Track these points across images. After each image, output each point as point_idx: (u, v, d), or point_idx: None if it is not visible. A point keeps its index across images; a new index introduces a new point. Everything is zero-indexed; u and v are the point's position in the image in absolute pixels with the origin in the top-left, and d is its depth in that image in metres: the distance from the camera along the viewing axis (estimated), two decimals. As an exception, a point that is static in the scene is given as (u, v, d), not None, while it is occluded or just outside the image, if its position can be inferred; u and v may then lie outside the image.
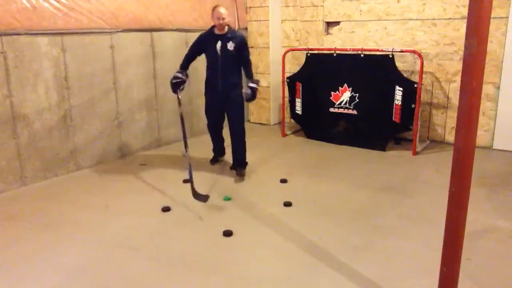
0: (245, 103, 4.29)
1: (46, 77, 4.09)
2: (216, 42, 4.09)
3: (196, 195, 3.58)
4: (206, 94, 4.36)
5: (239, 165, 4.30)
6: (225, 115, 4.35)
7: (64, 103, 4.27)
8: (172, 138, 5.50)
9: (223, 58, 4.10)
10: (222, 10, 4.01)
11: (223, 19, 4.01)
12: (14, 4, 3.76)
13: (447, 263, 2.01)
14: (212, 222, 3.30)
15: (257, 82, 4.17)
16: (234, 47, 4.09)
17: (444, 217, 1.99)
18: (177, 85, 4.09)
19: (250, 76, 4.18)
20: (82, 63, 4.36)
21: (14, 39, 3.82)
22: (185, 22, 5.40)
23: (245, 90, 4.11)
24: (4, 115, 3.84)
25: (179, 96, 4.10)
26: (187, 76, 4.16)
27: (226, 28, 4.13)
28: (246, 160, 4.37)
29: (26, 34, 3.88)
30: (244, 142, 4.32)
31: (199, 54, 4.26)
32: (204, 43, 4.19)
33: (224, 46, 4.08)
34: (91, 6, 4.34)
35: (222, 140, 4.61)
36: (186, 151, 3.95)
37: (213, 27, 4.16)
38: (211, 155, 4.77)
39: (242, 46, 4.14)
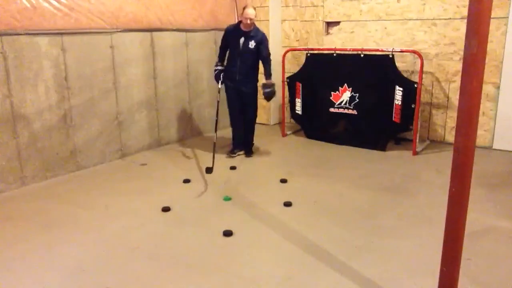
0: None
1: (46, 77, 4.09)
2: (240, 38, 4.51)
3: (208, 169, 4.12)
4: (225, 85, 4.74)
5: (248, 146, 4.93)
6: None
7: (64, 103, 4.27)
8: (172, 138, 5.50)
9: (243, 54, 4.54)
10: (251, 11, 4.42)
11: (251, 19, 4.43)
12: (14, 4, 3.76)
13: (447, 263, 2.01)
14: (212, 222, 3.30)
15: (270, 84, 4.54)
16: (255, 46, 4.52)
17: (444, 217, 1.99)
18: (218, 76, 4.68)
19: (267, 75, 4.57)
20: (82, 63, 4.36)
21: (14, 39, 3.82)
22: (185, 22, 5.40)
23: (265, 90, 4.56)
24: (4, 115, 3.84)
25: (219, 85, 4.67)
26: (223, 66, 4.72)
27: (252, 26, 4.53)
28: (253, 142, 5.00)
29: (26, 34, 3.88)
30: (254, 128, 4.95)
31: (228, 45, 4.71)
32: (229, 36, 4.61)
33: (246, 43, 4.51)
34: (91, 6, 4.34)
35: (242, 132, 4.91)
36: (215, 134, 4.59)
37: (239, 22, 4.55)
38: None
39: (263, 46, 4.55)
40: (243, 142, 4.93)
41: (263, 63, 4.61)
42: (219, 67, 4.69)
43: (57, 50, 4.14)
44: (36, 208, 3.59)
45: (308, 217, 3.38)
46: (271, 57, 4.69)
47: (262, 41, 4.55)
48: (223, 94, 4.82)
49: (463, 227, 1.94)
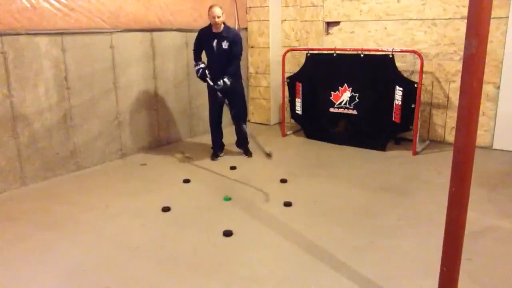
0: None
1: (46, 77, 4.09)
2: (213, 40, 4.39)
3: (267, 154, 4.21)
4: (208, 90, 4.63)
5: (245, 145, 4.90)
6: (224, 107, 4.62)
7: (64, 103, 4.27)
8: (172, 138, 5.50)
9: (219, 56, 4.41)
10: (217, 10, 4.24)
11: (218, 17, 4.25)
12: (14, 4, 3.76)
13: (447, 263, 2.01)
14: (212, 222, 3.30)
15: (229, 80, 4.33)
16: (229, 46, 4.38)
17: (444, 217, 1.99)
18: (203, 75, 4.48)
19: (228, 72, 4.35)
20: (82, 63, 4.36)
21: (14, 39, 3.82)
22: (185, 22, 5.40)
23: (218, 83, 4.34)
24: (4, 115, 3.84)
25: (209, 81, 4.46)
26: (203, 63, 4.53)
27: (222, 26, 4.37)
28: (248, 140, 4.92)
29: (26, 34, 3.88)
30: (245, 124, 4.81)
31: (202, 48, 4.59)
32: (202, 39, 4.50)
33: (219, 45, 4.38)
34: (91, 6, 4.34)
35: (221, 135, 4.88)
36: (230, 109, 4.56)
37: (210, 24, 4.41)
38: (209, 154, 4.77)
39: (233, 44, 4.38)
40: (237, 141, 4.94)
41: (230, 59, 4.39)
42: (202, 64, 4.48)
43: (57, 50, 4.14)
44: (36, 208, 3.59)
45: (308, 217, 3.38)
46: (242, 57, 4.60)
47: (234, 40, 4.38)
48: (202, 95, 4.80)
49: (463, 227, 1.94)
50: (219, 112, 4.69)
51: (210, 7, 4.29)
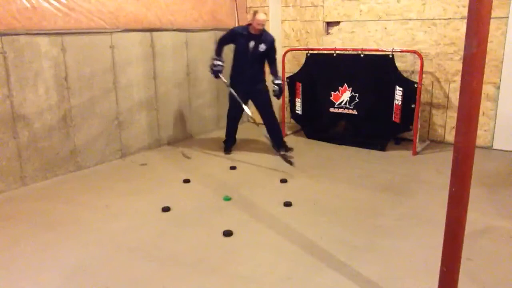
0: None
1: (46, 77, 4.09)
2: (250, 41, 4.56)
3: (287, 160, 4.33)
4: (232, 85, 4.72)
5: (282, 143, 4.89)
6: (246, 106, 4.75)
7: (64, 103, 4.27)
8: (172, 138, 5.50)
9: (253, 57, 4.61)
10: (262, 17, 4.46)
11: (263, 25, 4.50)
12: (14, 4, 3.76)
13: (447, 263, 2.01)
14: (212, 222, 3.30)
15: (281, 79, 4.73)
16: (266, 49, 4.60)
17: (444, 217, 1.99)
18: (218, 72, 4.64)
19: (275, 74, 4.70)
20: (82, 63, 4.36)
21: (14, 39, 3.82)
22: (185, 22, 5.40)
23: (274, 88, 4.67)
24: (4, 115, 3.84)
25: (223, 79, 4.69)
26: (223, 61, 4.68)
27: (262, 30, 4.59)
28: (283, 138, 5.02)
29: (26, 34, 3.88)
30: (278, 123, 4.98)
31: (229, 44, 4.77)
32: (238, 38, 4.63)
33: (256, 47, 4.57)
34: (91, 6, 4.34)
35: (236, 131, 5.09)
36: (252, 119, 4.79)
37: (248, 25, 4.59)
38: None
39: (272, 49, 4.65)
40: (275, 141, 4.92)
41: (271, 64, 4.70)
42: (220, 63, 4.64)
43: (57, 50, 4.14)
44: (36, 208, 3.59)
45: (308, 217, 3.38)
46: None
47: (273, 45, 4.64)
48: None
49: (463, 227, 1.94)
50: (240, 107, 4.70)
51: (256, 13, 4.47)
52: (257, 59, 4.64)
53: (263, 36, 4.58)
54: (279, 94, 4.71)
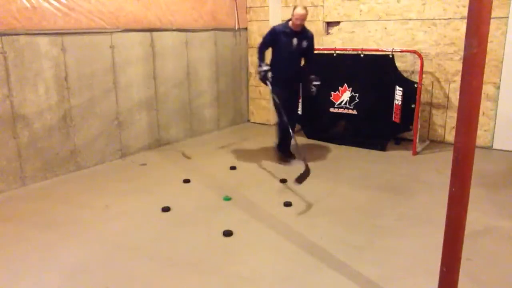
0: None
1: (46, 77, 4.09)
2: (293, 38, 4.37)
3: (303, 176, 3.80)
4: (277, 88, 4.40)
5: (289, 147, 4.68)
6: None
7: (64, 103, 4.27)
8: (172, 138, 5.50)
9: (296, 53, 4.47)
10: (300, 11, 4.24)
11: (302, 19, 4.29)
12: (14, 4, 3.76)
13: (447, 263, 2.01)
14: (212, 222, 3.30)
15: (318, 79, 4.48)
16: (307, 45, 4.46)
17: (444, 217, 1.99)
18: (266, 78, 4.38)
19: (314, 72, 4.52)
20: (82, 63, 4.36)
21: (14, 39, 3.82)
22: (185, 22, 5.40)
23: (312, 89, 4.47)
24: (4, 115, 3.83)
25: (269, 85, 4.41)
26: (267, 65, 4.42)
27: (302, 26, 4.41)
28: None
29: (26, 34, 3.88)
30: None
31: (270, 46, 4.53)
32: (280, 36, 4.40)
33: (299, 43, 4.40)
34: (91, 6, 4.34)
35: (291, 138, 4.58)
36: (292, 136, 4.39)
37: (288, 22, 4.40)
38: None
39: (312, 45, 4.54)
40: (286, 146, 4.70)
41: (310, 59, 4.61)
42: (266, 67, 4.36)
43: (57, 50, 4.14)
44: (36, 208, 3.59)
45: (308, 217, 3.38)
46: None
47: (313, 41, 4.53)
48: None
49: (463, 227, 1.94)
50: (286, 116, 4.34)
51: (296, 7, 4.28)
52: (299, 56, 4.52)
53: (304, 32, 4.42)
54: (316, 90, 4.49)
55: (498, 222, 3.21)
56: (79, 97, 4.38)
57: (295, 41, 4.37)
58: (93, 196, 3.83)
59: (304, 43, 4.42)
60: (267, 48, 4.51)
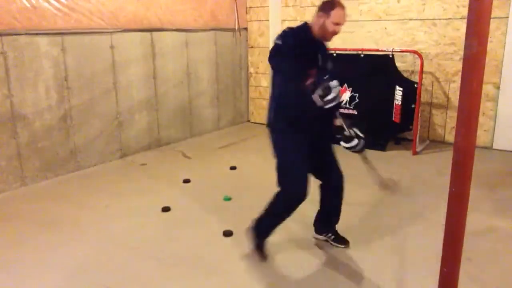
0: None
1: (46, 77, 4.09)
2: (317, 53, 2.56)
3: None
4: (287, 137, 2.87)
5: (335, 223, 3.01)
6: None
7: (64, 103, 4.27)
8: (172, 138, 5.50)
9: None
10: (344, 13, 2.45)
11: (340, 27, 2.46)
12: (14, 4, 3.76)
13: (447, 263, 2.01)
14: (212, 222, 3.30)
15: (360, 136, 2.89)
16: (332, 67, 2.66)
17: (444, 217, 1.99)
18: (316, 85, 2.34)
19: (339, 114, 2.87)
20: (82, 63, 4.36)
21: (14, 39, 3.82)
22: (185, 22, 5.40)
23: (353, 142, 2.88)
24: (4, 115, 3.83)
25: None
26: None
27: None
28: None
29: (26, 34, 3.88)
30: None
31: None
32: (301, 47, 2.42)
33: (324, 62, 2.60)
34: (91, 6, 4.34)
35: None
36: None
37: (308, 27, 2.53)
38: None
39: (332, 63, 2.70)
40: (324, 218, 3.00)
41: None
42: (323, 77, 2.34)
43: (57, 50, 4.14)
44: (36, 208, 3.59)
45: (308, 217, 3.38)
46: None
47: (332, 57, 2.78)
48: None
49: (463, 227, 1.94)
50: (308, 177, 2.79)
51: (334, 6, 2.41)
52: None
53: (323, 44, 2.61)
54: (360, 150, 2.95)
55: (498, 222, 3.21)
56: (79, 97, 4.38)
57: (320, 58, 2.56)
58: (93, 196, 3.83)
59: (330, 64, 2.64)
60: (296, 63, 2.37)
